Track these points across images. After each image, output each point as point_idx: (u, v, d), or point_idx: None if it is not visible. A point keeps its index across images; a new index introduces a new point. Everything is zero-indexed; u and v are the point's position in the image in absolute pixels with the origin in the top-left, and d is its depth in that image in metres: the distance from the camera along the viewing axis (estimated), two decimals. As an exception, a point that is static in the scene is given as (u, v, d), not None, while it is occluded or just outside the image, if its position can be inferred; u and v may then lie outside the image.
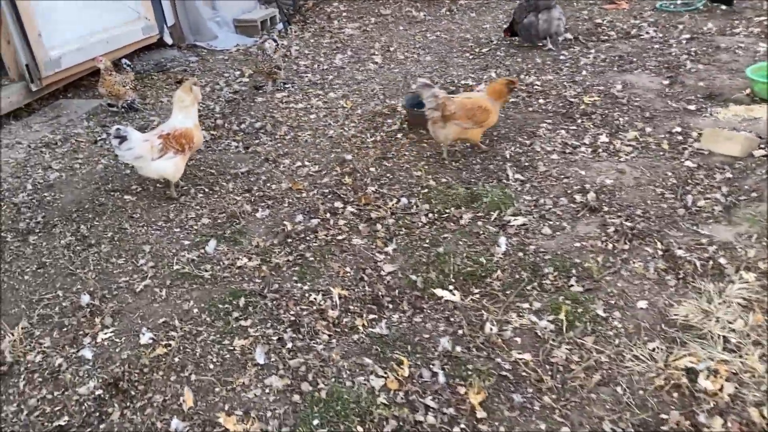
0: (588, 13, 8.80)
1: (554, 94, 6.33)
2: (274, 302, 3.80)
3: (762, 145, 4.88)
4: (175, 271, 4.15)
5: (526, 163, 5.12)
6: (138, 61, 8.25)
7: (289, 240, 4.39)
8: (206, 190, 5.14)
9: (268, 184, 5.19)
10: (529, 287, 3.73)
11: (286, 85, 7.21)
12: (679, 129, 5.37)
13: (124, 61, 6.93)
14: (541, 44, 7.71)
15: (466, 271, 3.91)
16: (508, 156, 5.26)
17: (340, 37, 8.92)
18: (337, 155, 5.58)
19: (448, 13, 9.63)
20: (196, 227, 4.63)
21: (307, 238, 4.39)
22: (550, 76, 6.75)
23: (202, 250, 4.35)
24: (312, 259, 4.17)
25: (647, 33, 7.84)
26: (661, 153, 5.06)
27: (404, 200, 4.71)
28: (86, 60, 7.05)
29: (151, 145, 4.82)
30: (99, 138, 6.23)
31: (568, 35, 8.02)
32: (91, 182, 5.42)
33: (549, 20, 7.57)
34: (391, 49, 8.22)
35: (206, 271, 4.14)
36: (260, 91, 7.18)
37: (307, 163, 5.52)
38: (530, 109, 6.08)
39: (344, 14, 10.07)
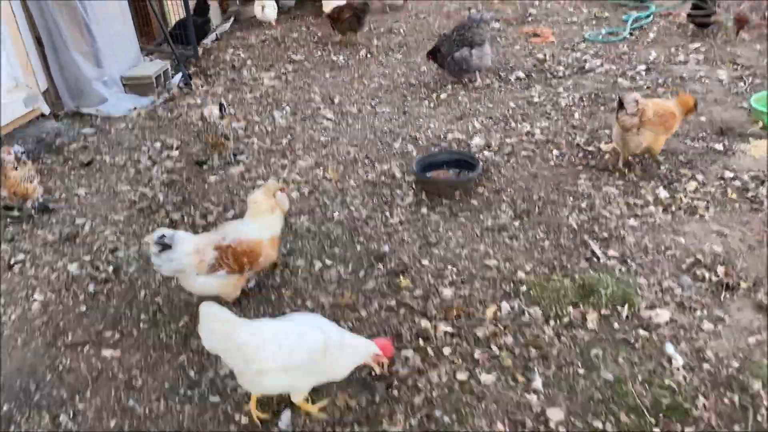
0: (521, 49, 8.34)
1: (564, 143, 5.66)
2: (439, 503, 2.59)
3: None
4: (257, 475, 2.76)
5: (605, 234, 4.33)
6: (11, 141, 6.34)
7: (393, 391, 3.16)
8: (216, 322, 3.69)
9: (300, 301, 3.89)
10: (758, 417, 2.88)
11: (238, 157, 5.83)
12: (729, 174, 4.92)
13: (16, 148, 5.14)
14: (468, 79, 7.23)
15: (663, 403, 2.98)
16: (575, 225, 4.44)
17: (263, 90, 7.63)
18: (365, 247, 4.41)
19: (368, 56, 8.69)
20: (241, 389, 3.22)
21: (418, 384, 3.19)
22: (544, 122, 6.08)
23: (275, 429, 2.99)
24: (446, 419, 3.01)
25: (599, 66, 7.49)
26: (737, 204, 4.53)
27: (505, 305, 3.70)
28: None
29: (201, 258, 3.53)
30: (15, 261, 4.45)
31: (520, 73, 7.46)
32: (34, 334, 3.75)
33: (482, 56, 7.06)
34: (335, 101, 7.11)
35: (303, 464, 2.80)
36: (205, 168, 5.73)
37: (329, 261, 4.29)
38: (551, 163, 5.34)
39: (249, 62, 8.74)
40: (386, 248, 4.35)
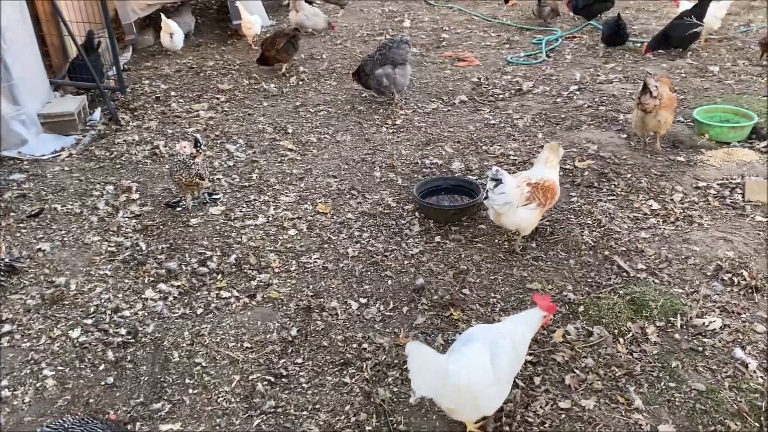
0: (453, 73, 8.54)
1: (541, 162, 5.83)
2: None
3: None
4: None
5: (623, 248, 4.52)
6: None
7: (505, 428, 3.07)
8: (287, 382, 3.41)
9: (356, 345, 3.68)
10: None
11: (214, 197, 5.44)
12: (702, 183, 5.33)
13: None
14: (390, 97, 7.39)
15: (760, 406, 3.14)
16: (590, 242, 4.59)
17: (203, 123, 7.19)
18: (396, 281, 4.28)
19: (300, 83, 8.49)
20: (345, 449, 2.98)
21: (527, 418, 3.12)
22: (512, 144, 6.27)
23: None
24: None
25: (533, 88, 7.84)
26: (724, 211, 4.91)
27: (571, 328, 3.71)
28: None
29: (521, 192, 4.18)
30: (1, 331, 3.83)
31: (463, 97, 7.64)
32: (63, 416, 3.22)
33: (404, 74, 7.27)
34: (289, 131, 6.87)
35: None
36: (179, 209, 5.29)
37: (363, 300, 4.11)
38: (538, 183, 5.47)
39: (173, 94, 8.21)
40: (420, 281, 4.22)
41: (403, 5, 12.11)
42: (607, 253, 4.46)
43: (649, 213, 4.92)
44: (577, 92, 7.61)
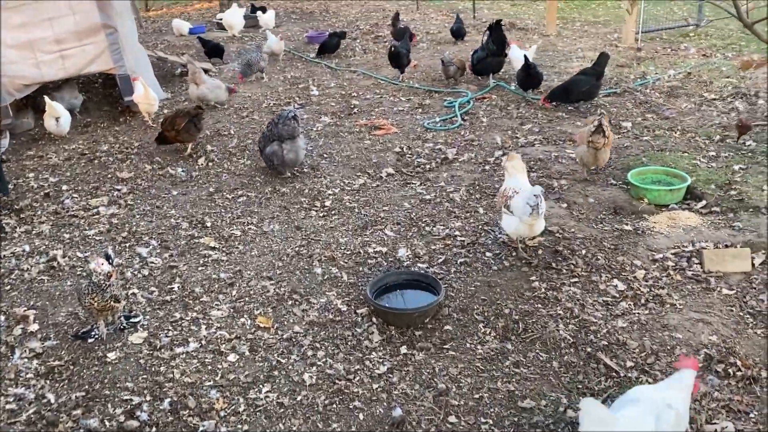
0: (373, 144, 8.17)
1: (490, 242, 5.51)
2: None
3: (763, 252, 4.96)
4: None
5: (604, 342, 4.20)
6: None
7: None
8: None
9: None
10: None
11: (133, 320, 4.66)
12: (658, 255, 5.17)
13: None
14: (288, 173, 7.16)
15: None
16: (569, 338, 4.24)
17: (105, 222, 6.36)
18: (368, 414, 3.73)
19: (210, 164, 7.82)
20: None
21: None
22: (455, 222, 5.92)
23: None
24: None
25: (458, 155, 7.62)
26: (689, 286, 4.74)
27: (582, 456, 3.26)
28: None
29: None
30: None
31: (390, 170, 7.29)
32: None
33: (295, 150, 6.98)
34: (208, 224, 6.18)
35: None
36: (91, 341, 4.47)
37: (335, 443, 3.50)
38: (494, 268, 5.16)
39: (65, 188, 7.28)
40: (397, 411, 3.67)
41: (305, 71, 11.78)
42: (589, 350, 4.12)
43: (617, 295, 4.65)
44: (501, 159, 7.41)
